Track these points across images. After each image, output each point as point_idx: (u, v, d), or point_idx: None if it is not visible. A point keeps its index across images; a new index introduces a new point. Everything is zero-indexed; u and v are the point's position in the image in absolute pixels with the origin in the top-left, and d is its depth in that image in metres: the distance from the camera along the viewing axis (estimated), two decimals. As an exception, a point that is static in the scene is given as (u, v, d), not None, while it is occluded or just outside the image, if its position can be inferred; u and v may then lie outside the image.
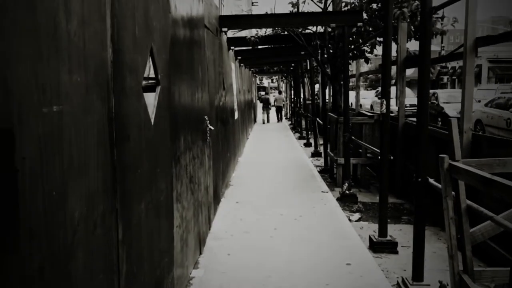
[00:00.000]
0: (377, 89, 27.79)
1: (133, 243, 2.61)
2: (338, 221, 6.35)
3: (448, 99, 17.06)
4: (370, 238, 5.69)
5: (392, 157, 5.94)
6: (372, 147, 7.84)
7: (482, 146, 5.76)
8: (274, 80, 53.53)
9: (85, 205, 1.93)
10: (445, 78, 38.64)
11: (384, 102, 5.35)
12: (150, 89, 3.08)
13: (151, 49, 2.98)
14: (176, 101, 3.85)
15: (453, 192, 3.42)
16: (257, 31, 10.22)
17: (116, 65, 2.31)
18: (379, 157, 5.67)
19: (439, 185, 4.40)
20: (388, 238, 5.58)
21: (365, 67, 28.35)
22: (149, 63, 3.06)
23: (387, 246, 5.52)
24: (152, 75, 3.14)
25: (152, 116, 3.02)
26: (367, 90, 38.00)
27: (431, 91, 17.58)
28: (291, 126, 24.37)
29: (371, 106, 23.30)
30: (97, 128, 2.07)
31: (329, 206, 7.13)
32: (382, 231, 5.57)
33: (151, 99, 3.09)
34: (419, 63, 4.23)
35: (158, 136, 3.19)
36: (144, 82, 2.84)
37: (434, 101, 16.67)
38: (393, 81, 10.53)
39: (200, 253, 5.08)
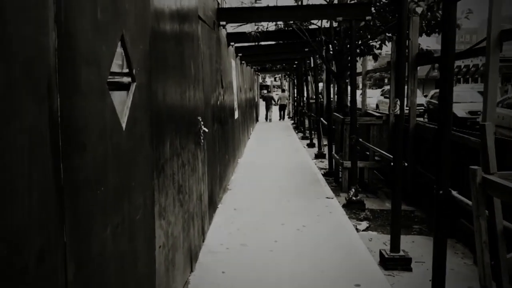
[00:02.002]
0: (383, 88, 27.20)
1: (93, 281, 2.07)
2: (345, 232, 5.78)
3: (455, 99, 16.39)
4: (380, 253, 5.12)
5: (406, 164, 5.33)
6: (382, 151, 7.25)
7: (506, 151, 5.18)
8: (277, 79, 52.99)
9: (6, 247, 1.39)
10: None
11: (398, 102, 4.79)
12: (121, 86, 2.54)
13: (122, 37, 2.43)
14: (159, 101, 3.31)
15: (486, 211, 2.86)
16: (257, 26, 9.66)
17: (63, 54, 1.76)
18: (392, 164, 5.09)
19: (464, 199, 3.85)
20: (401, 253, 5.01)
21: (369, 65, 27.70)
22: (121, 55, 2.51)
23: (400, 263, 4.95)
24: (125, 69, 2.59)
25: (123, 118, 2.47)
26: (372, 89, 37.38)
27: (436, 90, 17.05)
28: (294, 125, 23.77)
29: (377, 105, 22.70)
30: (30, 137, 1.52)
31: (335, 215, 6.57)
32: (395, 246, 5.01)
33: (122, 98, 2.54)
34: (442, 57, 3.64)
35: (133, 142, 2.64)
36: (111, 78, 2.29)
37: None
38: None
39: (192, 271, 4.54)
